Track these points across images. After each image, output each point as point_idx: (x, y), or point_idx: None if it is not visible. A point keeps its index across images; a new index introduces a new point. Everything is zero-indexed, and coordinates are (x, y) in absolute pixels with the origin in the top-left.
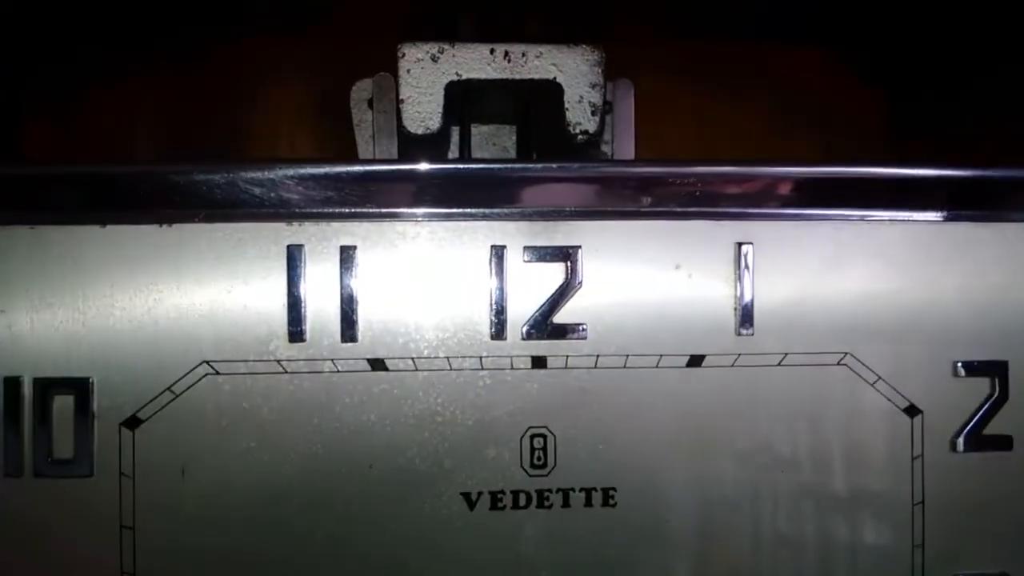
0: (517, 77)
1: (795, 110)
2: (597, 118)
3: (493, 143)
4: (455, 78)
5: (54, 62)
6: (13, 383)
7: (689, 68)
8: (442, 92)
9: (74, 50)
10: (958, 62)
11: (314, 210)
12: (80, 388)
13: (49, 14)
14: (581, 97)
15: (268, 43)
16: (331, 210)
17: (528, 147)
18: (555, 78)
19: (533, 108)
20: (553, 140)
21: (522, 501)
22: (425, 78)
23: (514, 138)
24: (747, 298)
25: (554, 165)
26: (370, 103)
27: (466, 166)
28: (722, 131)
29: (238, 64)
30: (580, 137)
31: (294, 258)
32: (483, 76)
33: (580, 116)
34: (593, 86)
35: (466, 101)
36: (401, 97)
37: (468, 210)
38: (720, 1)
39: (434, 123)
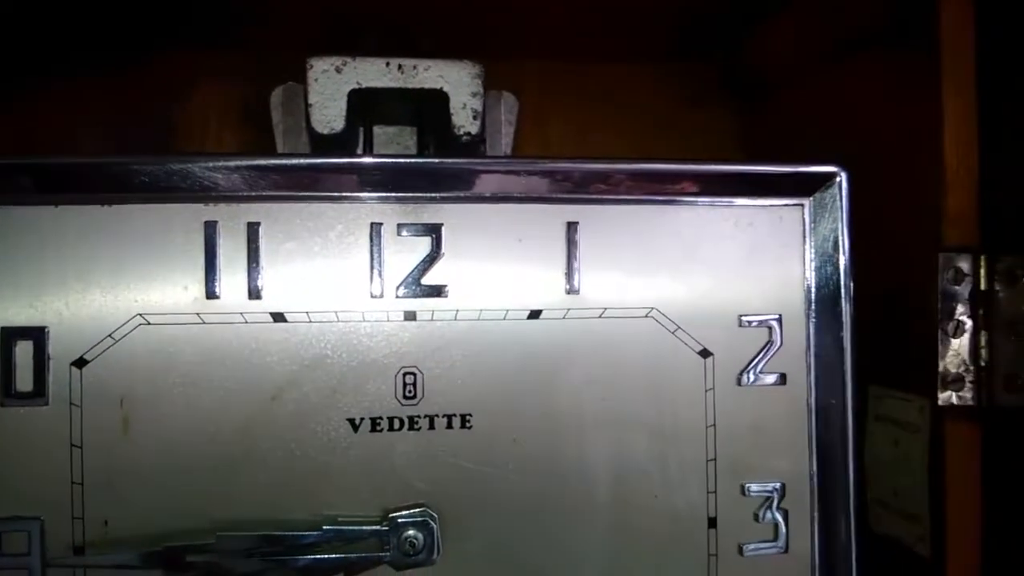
0: (409, 86)
1: (663, 121)
2: (478, 122)
3: (396, 142)
4: (356, 86)
5: (7, 68)
6: None
7: (570, 83)
8: (345, 98)
9: (27, 58)
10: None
11: (225, 193)
12: (38, 335)
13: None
14: (464, 104)
15: (198, 56)
16: (239, 193)
17: (425, 145)
18: (442, 88)
19: (426, 114)
20: (444, 140)
21: (396, 425)
22: (330, 86)
23: (415, 138)
24: (574, 265)
25: (419, 160)
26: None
27: (344, 160)
28: (599, 136)
29: (172, 74)
30: (465, 137)
31: (210, 231)
32: (380, 85)
33: (464, 120)
34: (474, 95)
35: (368, 107)
36: (309, 102)
37: (351, 194)
38: (597, 27)
39: (338, 124)
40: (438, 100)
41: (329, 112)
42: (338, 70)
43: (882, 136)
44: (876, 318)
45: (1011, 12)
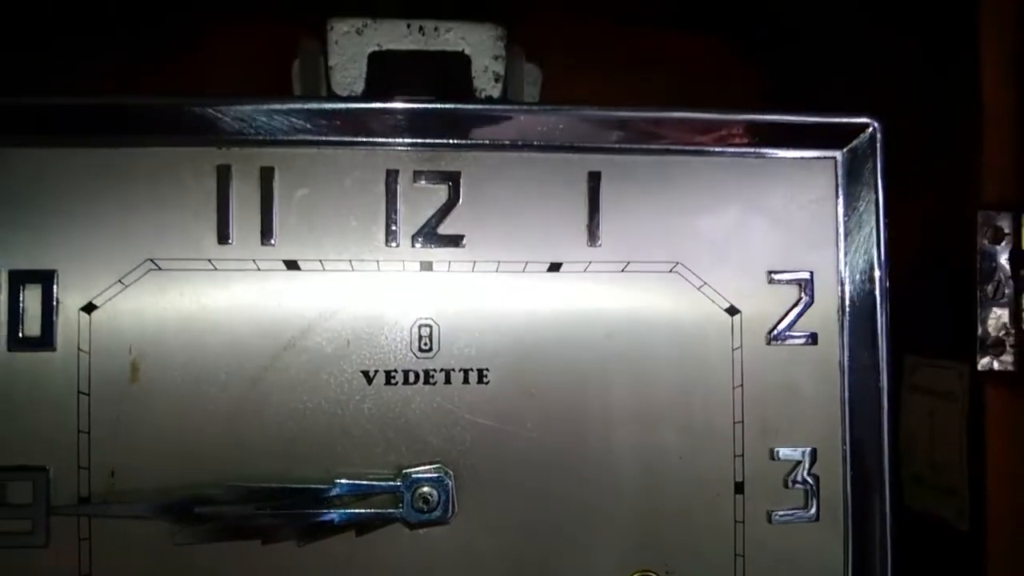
0: (430, 48)
1: (687, 88)
2: (500, 85)
3: None
4: (377, 48)
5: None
6: None
7: (593, 48)
8: (365, 60)
9: (49, 41)
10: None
11: (240, 137)
12: (47, 279)
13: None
14: (486, 67)
15: (224, 42)
16: (254, 138)
17: None
18: (463, 50)
19: (447, 79)
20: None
21: (411, 378)
22: (350, 48)
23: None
24: (596, 217)
25: (437, 105)
26: None
27: (360, 105)
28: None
29: (198, 55)
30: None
31: (223, 176)
32: (401, 47)
33: (485, 83)
34: (496, 58)
35: (389, 75)
36: (330, 64)
37: (367, 140)
38: None
39: (358, 86)
40: (459, 63)
41: (350, 74)
42: (359, 32)
43: (919, 93)
44: (910, 283)
45: None
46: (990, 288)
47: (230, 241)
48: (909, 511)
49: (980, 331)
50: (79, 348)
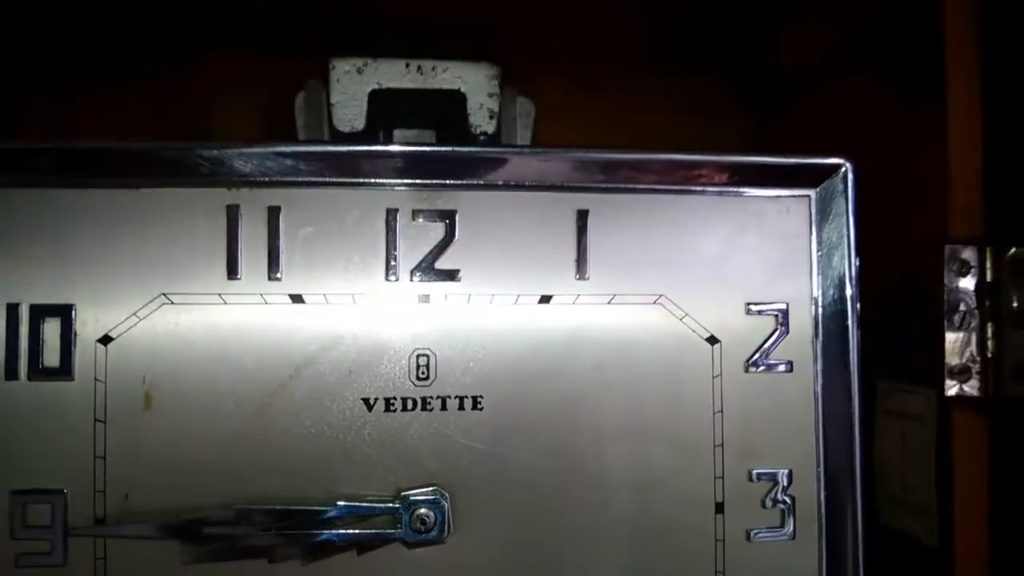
0: (428, 87)
1: (681, 123)
2: (494, 122)
3: (415, 145)
4: (376, 87)
5: (40, 75)
6: (14, 308)
7: (589, 86)
8: (366, 98)
9: (60, 67)
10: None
11: (248, 179)
12: (65, 312)
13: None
14: (481, 104)
15: (228, 64)
16: (261, 179)
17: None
18: (460, 88)
19: (444, 115)
20: (462, 141)
21: (409, 405)
22: (351, 86)
23: (434, 140)
24: (584, 252)
25: (434, 148)
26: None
27: (361, 148)
28: (618, 138)
29: (203, 80)
30: (481, 137)
31: (232, 215)
32: (400, 86)
33: (481, 120)
34: (491, 95)
35: (389, 110)
36: (331, 101)
37: (368, 180)
38: (616, 33)
39: (359, 123)
40: (456, 101)
41: (350, 111)
42: (359, 71)
43: (891, 131)
44: (884, 312)
45: (1015, 14)
46: (956, 318)
47: (239, 276)
48: (886, 530)
49: (947, 359)
50: (96, 378)
